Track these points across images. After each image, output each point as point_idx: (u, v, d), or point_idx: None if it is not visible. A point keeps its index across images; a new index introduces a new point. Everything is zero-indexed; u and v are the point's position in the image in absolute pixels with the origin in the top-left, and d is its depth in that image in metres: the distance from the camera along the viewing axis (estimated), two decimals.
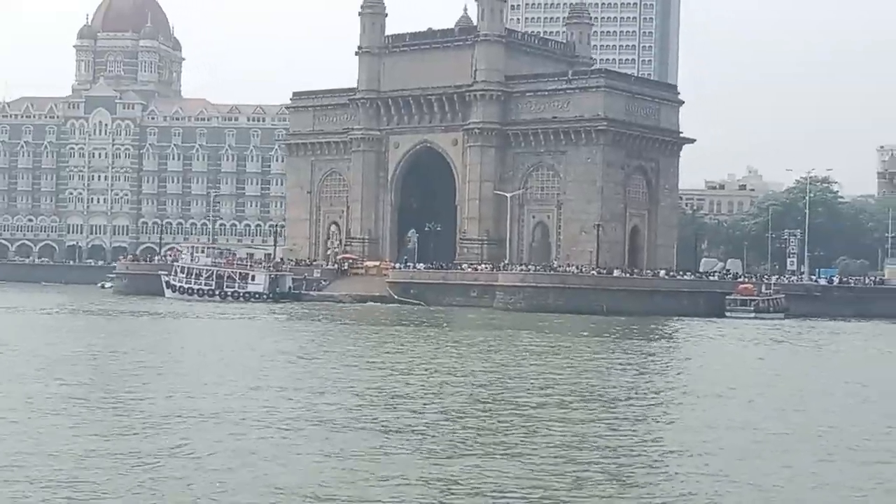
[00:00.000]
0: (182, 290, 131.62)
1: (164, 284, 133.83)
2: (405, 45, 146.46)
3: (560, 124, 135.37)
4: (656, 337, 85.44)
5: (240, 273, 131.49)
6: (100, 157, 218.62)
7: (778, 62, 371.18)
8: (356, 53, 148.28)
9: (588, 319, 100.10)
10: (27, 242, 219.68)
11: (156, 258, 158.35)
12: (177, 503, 24.28)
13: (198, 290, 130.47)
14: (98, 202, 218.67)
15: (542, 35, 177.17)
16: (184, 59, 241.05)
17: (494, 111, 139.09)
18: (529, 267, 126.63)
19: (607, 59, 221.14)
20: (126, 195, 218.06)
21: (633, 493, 26.53)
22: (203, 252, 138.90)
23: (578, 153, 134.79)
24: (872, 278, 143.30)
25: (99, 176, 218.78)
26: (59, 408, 37.43)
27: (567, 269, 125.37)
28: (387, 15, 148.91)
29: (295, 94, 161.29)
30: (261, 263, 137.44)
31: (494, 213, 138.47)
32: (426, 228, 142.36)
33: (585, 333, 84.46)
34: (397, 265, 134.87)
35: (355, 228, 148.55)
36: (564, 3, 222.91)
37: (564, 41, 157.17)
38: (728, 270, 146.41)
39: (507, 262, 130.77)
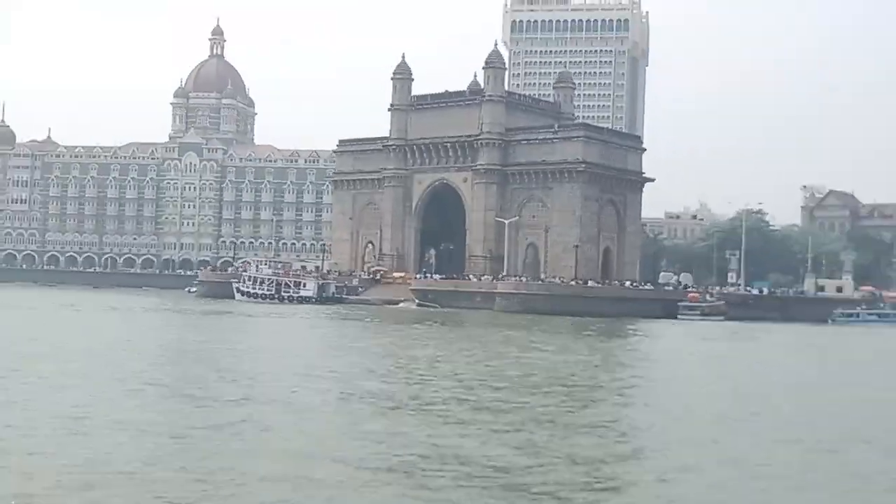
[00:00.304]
0: (248, 294, 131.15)
1: (234, 290, 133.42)
2: (427, 104, 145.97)
3: (548, 166, 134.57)
4: (627, 333, 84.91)
5: (294, 281, 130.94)
6: (189, 190, 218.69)
7: (725, 115, 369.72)
8: (388, 109, 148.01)
9: (569, 320, 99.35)
10: (132, 256, 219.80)
11: (229, 269, 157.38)
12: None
13: (261, 294, 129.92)
14: (188, 225, 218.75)
15: (535, 95, 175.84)
16: (256, 114, 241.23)
17: (496, 155, 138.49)
18: (522, 278, 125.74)
19: (589, 115, 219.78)
20: (209, 220, 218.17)
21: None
22: (266, 264, 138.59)
23: (562, 189, 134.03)
24: (794, 290, 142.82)
25: (189, 205, 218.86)
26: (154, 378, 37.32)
27: (552, 279, 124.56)
28: (413, 79, 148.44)
29: (340, 141, 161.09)
30: (311, 274, 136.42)
31: (495, 236, 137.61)
32: (441, 247, 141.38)
33: (562, 331, 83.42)
34: (418, 276, 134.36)
35: (386, 247, 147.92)
36: (554, 72, 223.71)
37: (553, 100, 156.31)
38: (680, 282, 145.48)
39: (504, 274, 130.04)
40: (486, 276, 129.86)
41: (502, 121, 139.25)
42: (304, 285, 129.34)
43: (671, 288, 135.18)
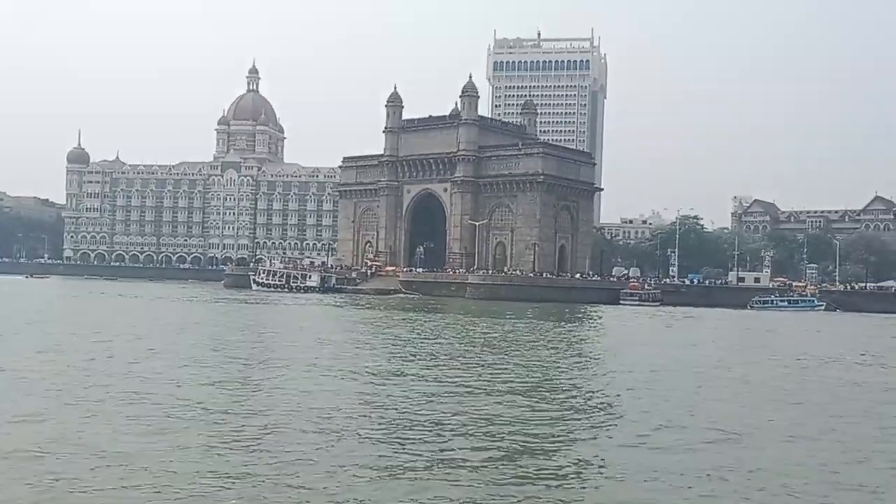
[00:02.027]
0: (263, 284, 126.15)
1: (251, 281, 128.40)
2: (414, 126, 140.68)
3: (513, 178, 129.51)
4: (580, 315, 79.04)
5: (301, 273, 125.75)
6: (230, 200, 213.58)
7: (671, 134, 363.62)
8: (383, 131, 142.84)
9: (528, 305, 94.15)
10: (183, 255, 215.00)
11: (250, 264, 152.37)
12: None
13: (273, 284, 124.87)
14: (228, 230, 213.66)
15: (515, 122, 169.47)
16: (285, 138, 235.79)
17: (471, 169, 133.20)
18: (489, 271, 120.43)
19: (557, 138, 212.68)
20: (246, 224, 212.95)
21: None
22: (278, 260, 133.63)
23: (525, 197, 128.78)
24: (720, 281, 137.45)
25: (229, 212, 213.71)
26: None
27: (515, 272, 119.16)
28: (403, 106, 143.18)
29: (344, 158, 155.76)
30: (317, 268, 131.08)
31: (470, 236, 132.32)
32: (424, 245, 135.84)
33: (530, 314, 77.95)
34: (405, 269, 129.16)
35: (381, 245, 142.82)
36: (520, 102, 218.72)
37: (519, 124, 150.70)
38: (627, 275, 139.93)
39: (475, 267, 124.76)
40: (461, 270, 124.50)
41: (476, 140, 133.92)
42: (310, 277, 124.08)
43: (615, 280, 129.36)
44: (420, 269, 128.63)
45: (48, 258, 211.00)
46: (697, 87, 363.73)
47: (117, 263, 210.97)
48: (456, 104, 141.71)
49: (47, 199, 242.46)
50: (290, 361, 31.13)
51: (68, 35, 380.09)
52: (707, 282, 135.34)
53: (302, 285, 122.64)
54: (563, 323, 65.80)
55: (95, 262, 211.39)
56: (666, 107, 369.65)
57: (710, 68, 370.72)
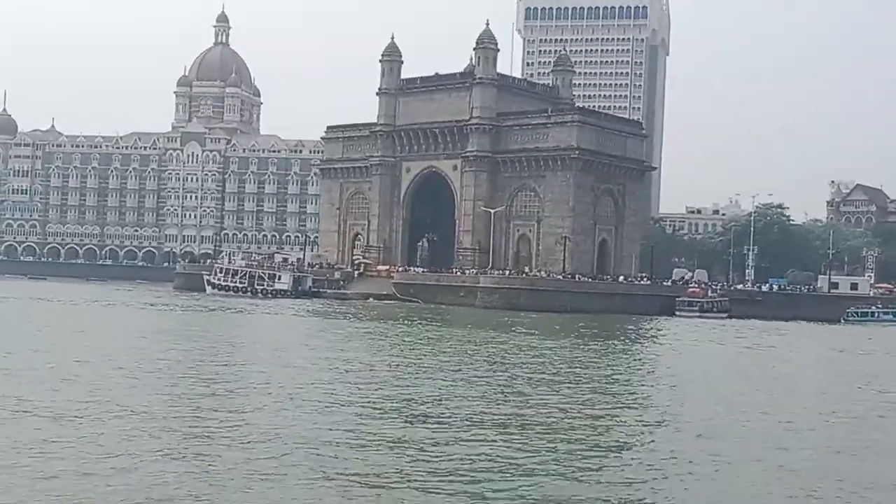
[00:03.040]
0: (220, 286, 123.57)
1: (205, 282, 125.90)
2: (416, 87, 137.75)
3: (540, 153, 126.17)
4: (616, 332, 75.00)
5: (268, 274, 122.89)
6: (191, 181, 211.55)
7: (751, 107, 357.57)
8: (377, 94, 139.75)
9: (554, 317, 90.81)
10: (133, 249, 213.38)
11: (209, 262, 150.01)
12: None
13: (233, 287, 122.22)
14: (189, 217, 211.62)
15: (535, 81, 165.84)
16: (262, 103, 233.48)
17: (487, 141, 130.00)
18: (506, 272, 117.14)
19: (605, 106, 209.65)
20: (211, 211, 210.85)
21: None
22: (239, 256, 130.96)
23: (555, 177, 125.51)
24: (807, 287, 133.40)
25: (190, 196, 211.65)
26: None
27: (537, 273, 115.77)
28: (402, 62, 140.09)
29: (329, 127, 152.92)
30: (286, 265, 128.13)
31: (485, 227, 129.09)
32: (426, 238, 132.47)
33: (536, 333, 74.51)
34: (399, 269, 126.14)
35: (373, 238, 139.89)
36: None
37: (550, 85, 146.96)
38: (688, 279, 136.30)
39: (490, 267, 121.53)
40: (472, 270, 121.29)
41: (493, 105, 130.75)
42: (279, 278, 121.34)
43: (670, 284, 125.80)
44: (420, 269, 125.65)
45: None
46: (785, 47, 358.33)
47: (50, 259, 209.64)
48: (470, 60, 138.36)
49: None
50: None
51: None
52: (790, 288, 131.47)
53: (270, 288, 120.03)
54: (582, 345, 62.24)
55: (23, 258, 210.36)
56: (745, 72, 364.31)
57: (799, 23, 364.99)
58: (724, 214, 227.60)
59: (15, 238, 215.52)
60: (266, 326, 70.13)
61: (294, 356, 43.99)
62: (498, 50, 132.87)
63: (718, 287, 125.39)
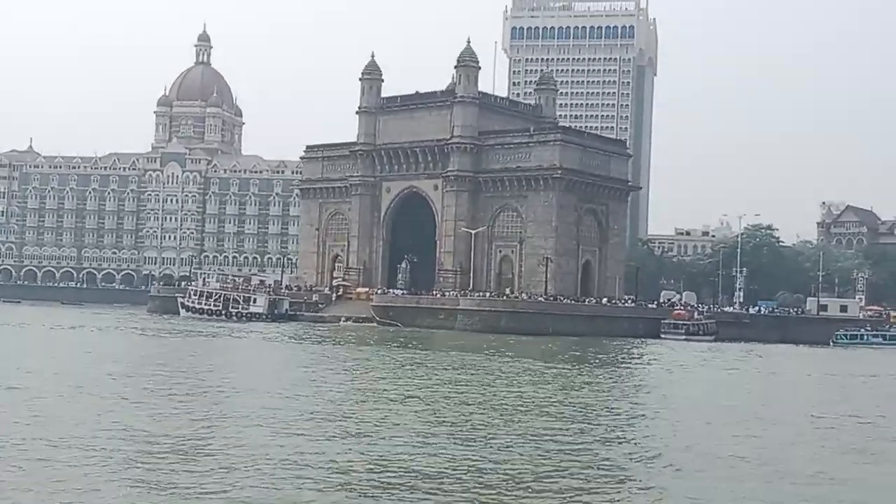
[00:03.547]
0: (194, 310, 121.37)
1: (179, 305, 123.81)
2: (397, 106, 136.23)
3: (522, 172, 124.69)
4: (595, 356, 72.99)
5: (243, 296, 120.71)
6: (171, 202, 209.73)
7: (741, 126, 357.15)
8: (356, 112, 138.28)
9: (535, 340, 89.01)
10: (111, 271, 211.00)
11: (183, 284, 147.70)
12: None
13: (207, 310, 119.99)
14: (169, 239, 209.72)
15: (523, 101, 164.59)
16: (244, 123, 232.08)
17: (468, 161, 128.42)
18: (486, 294, 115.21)
19: (592, 126, 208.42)
20: (192, 233, 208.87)
21: None
22: (214, 278, 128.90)
23: (538, 197, 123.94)
24: (796, 309, 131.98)
25: (170, 217, 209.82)
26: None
27: (518, 295, 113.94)
28: (383, 80, 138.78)
29: (308, 147, 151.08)
30: (262, 287, 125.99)
31: (467, 248, 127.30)
32: (407, 259, 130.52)
33: (509, 355, 72.45)
34: (378, 291, 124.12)
35: (353, 259, 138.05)
36: (556, 80, 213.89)
37: (534, 104, 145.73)
38: (675, 301, 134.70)
39: (470, 289, 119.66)
40: (452, 292, 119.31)
41: (475, 124, 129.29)
42: (255, 301, 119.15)
43: (654, 306, 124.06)
44: (401, 291, 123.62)
45: None
46: (775, 64, 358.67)
47: (26, 282, 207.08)
48: (452, 78, 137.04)
49: None
50: None
51: None
52: (778, 310, 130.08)
53: (244, 311, 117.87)
54: (553, 370, 60.25)
55: (0, 280, 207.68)
56: (736, 90, 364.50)
57: (790, 40, 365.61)
58: (713, 236, 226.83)
59: None
60: (215, 353, 67.98)
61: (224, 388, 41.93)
62: (479, 68, 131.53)
63: (705, 309, 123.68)
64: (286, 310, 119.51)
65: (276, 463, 23.05)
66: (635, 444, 29.22)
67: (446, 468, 23.23)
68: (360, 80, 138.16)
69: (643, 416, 36.62)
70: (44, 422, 28.31)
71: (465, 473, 22.85)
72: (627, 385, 51.78)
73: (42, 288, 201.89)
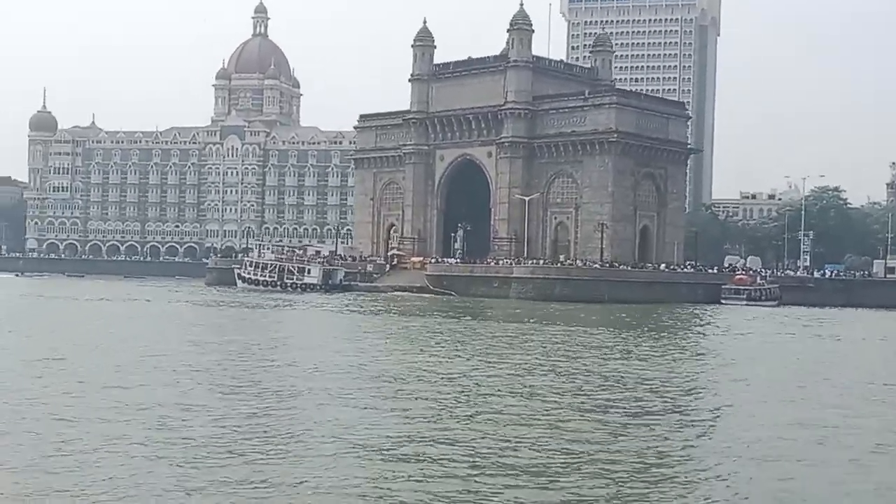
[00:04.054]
0: (251, 281, 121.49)
1: (236, 276, 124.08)
2: (449, 72, 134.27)
3: (577, 137, 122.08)
4: (650, 324, 70.48)
5: (298, 267, 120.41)
6: (231, 175, 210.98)
7: (806, 88, 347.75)
8: (409, 80, 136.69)
9: (591, 307, 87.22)
10: (174, 244, 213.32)
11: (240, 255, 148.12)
12: None
13: (262, 281, 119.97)
14: (230, 212, 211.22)
15: (582, 65, 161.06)
16: (302, 95, 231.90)
17: (522, 127, 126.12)
18: (540, 261, 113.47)
19: (654, 89, 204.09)
20: (252, 205, 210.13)
21: None
22: (269, 249, 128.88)
23: (593, 162, 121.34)
24: (862, 272, 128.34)
25: (231, 190, 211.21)
26: None
27: (573, 262, 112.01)
28: (435, 47, 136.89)
29: (361, 116, 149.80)
30: (317, 258, 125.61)
31: (521, 215, 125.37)
32: (461, 227, 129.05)
33: (556, 325, 70.80)
34: (432, 260, 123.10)
35: (407, 229, 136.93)
36: (616, 44, 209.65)
37: (589, 67, 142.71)
38: (738, 266, 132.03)
39: (525, 256, 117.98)
40: (507, 260, 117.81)
41: (529, 89, 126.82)
42: (309, 272, 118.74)
43: (714, 271, 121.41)
44: (455, 260, 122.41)
45: (6, 251, 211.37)
46: (845, 22, 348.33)
47: (91, 256, 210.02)
48: (507, 42, 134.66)
49: (9, 177, 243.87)
50: None
51: None
52: (844, 274, 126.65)
53: (299, 282, 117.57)
54: (608, 338, 58.53)
55: (66, 255, 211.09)
56: (802, 49, 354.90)
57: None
58: (780, 199, 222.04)
59: (56, 236, 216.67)
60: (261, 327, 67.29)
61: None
62: (533, 31, 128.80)
63: (767, 274, 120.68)
64: (340, 280, 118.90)
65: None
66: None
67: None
68: (412, 46, 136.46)
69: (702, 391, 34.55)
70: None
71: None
72: (685, 356, 49.52)
73: (106, 262, 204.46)
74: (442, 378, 33.36)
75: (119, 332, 51.27)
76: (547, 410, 26.84)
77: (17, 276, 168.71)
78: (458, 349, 45.11)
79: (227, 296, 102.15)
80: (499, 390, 30.89)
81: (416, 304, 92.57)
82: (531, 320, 68.86)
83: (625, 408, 27.91)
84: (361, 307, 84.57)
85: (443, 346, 46.62)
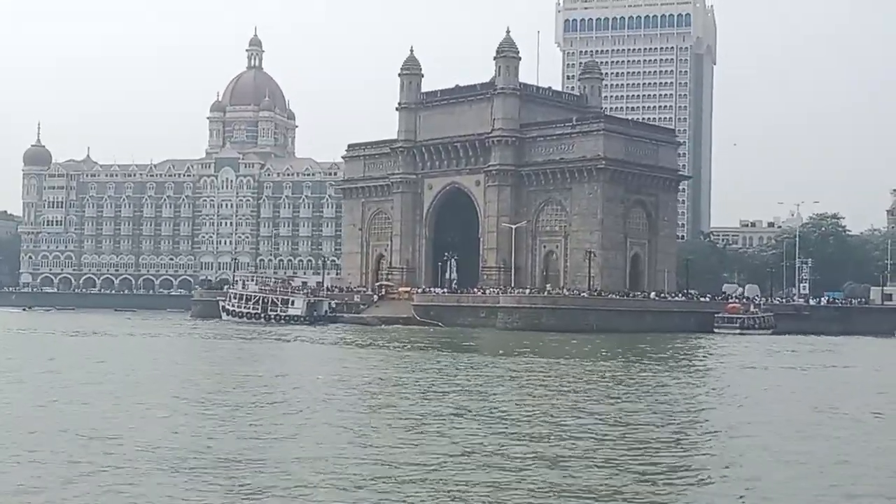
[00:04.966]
0: (234, 313, 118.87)
1: (220, 308, 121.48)
2: (436, 101, 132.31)
3: (566, 164, 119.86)
4: (635, 355, 67.54)
5: (282, 299, 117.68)
6: (226, 207, 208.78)
7: (806, 115, 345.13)
8: (396, 109, 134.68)
9: (579, 337, 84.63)
10: (169, 277, 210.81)
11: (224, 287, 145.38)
12: None
13: (246, 313, 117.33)
14: (225, 244, 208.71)
15: (573, 93, 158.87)
16: (297, 126, 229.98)
17: (510, 154, 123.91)
18: (526, 290, 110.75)
19: (650, 118, 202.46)
20: (247, 237, 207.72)
21: None
22: (252, 280, 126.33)
23: (582, 189, 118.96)
24: (859, 299, 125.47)
25: (225, 222, 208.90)
26: None
27: (559, 291, 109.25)
28: (423, 75, 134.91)
29: (349, 145, 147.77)
30: (300, 290, 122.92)
31: (510, 244, 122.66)
32: (446, 257, 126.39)
33: (517, 357, 67.91)
34: (419, 290, 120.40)
35: (395, 259, 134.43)
36: (611, 72, 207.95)
37: (578, 93, 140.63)
38: (734, 295, 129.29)
39: (512, 286, 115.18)
40: (494, 290, 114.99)
41: (516, 116, 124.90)
42: (293, 303, 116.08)
43: (707, 300, 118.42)
44: (442, 290, 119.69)
45: (0, 285, 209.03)
46: (841, 46, 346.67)
47: (85, 290, 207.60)
48: (496, 70, 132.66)
49: (5, 211, 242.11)
50: None
51: (23, 13, 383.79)
52: (841, 301, 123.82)
53: (283, 314, 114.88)
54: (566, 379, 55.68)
55: (59, 289, 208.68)
56: (798, 76, 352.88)
57: (859, 21, 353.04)
58: (779, 227, 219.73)
59: (51, 269, 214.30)
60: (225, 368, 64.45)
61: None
62: (519, 58, 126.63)
63: (762, 302, 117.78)
64: (326, 311, 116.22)
65: None
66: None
67: None
68: (399, 75, 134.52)
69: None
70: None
71: None
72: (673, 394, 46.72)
73: (98, 295, 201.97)
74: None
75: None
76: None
77: (23, 310, 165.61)
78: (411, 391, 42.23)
79: (204, 328, 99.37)
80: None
81: (394, 335, 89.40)
82: (492, 353, 65.92)
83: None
84: (334, 340, 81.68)
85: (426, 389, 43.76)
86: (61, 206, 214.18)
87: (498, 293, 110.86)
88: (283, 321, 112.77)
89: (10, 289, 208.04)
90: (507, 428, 28.76)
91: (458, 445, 25.30)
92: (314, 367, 52.46)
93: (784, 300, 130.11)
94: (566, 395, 38.39)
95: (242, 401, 34.54)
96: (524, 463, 22.95)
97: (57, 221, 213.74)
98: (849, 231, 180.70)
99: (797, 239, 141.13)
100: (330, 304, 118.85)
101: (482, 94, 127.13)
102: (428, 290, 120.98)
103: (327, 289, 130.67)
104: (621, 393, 39.64)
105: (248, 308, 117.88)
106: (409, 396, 36.80)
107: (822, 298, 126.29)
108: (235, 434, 26.71)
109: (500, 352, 65.62)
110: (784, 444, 26.87)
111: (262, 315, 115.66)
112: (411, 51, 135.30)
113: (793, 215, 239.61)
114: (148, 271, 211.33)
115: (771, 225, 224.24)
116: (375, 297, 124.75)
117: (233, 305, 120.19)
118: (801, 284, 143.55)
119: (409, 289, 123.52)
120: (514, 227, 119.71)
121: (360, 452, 24.28)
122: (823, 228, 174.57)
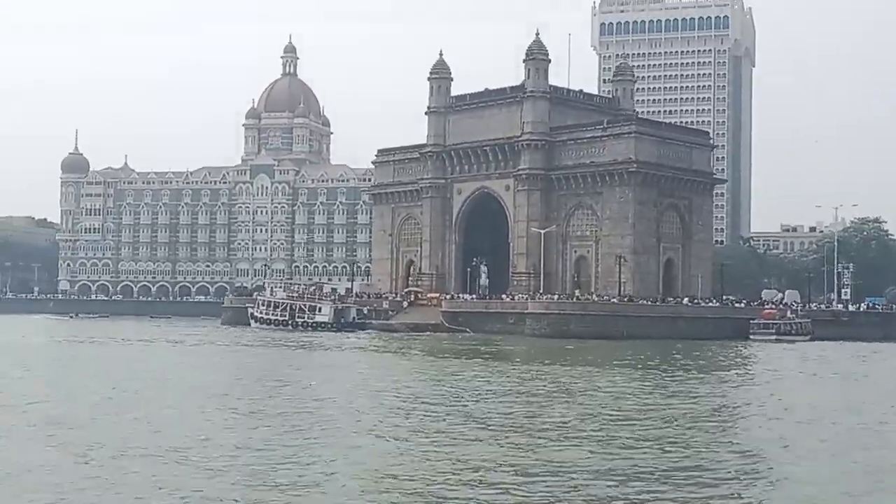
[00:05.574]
0: (263, 320, 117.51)
1: (249, 316, 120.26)
2: (465, 104, 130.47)
3: (596, 168, 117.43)
4: (663, 365, 64.63)
5: (309, 305, 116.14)
6: (261, 213, 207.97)
7: (847, 117, 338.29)
8: (425, 113, 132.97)
9: (608, 345, 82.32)
10: (205, 284, 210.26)
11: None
12: None
13: (274, 320, 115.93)
14: (260, 250, 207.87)
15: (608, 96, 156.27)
16: (332, 133, 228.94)
17: (539, 158, 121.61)
18: (555, 296, 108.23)
19: (688, 121, 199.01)
20: (282, 244, 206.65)
21: None
22: (280, 287, 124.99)
23: (613, 193, 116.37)
24: None
25: (261, 229, 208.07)
26: None
27: (589, 297, 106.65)
28: (452, 79, 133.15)
29: (379, 151, 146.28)
30: (328, 296, 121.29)
31: (540, 249, 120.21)
32: (475, 262, 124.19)
33: (539, 364, 65.61)
34: (447, 297, 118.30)
35: (425, 265, 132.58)
36: (647, 76, 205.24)
37: (610, 96, 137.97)
38: (773, 300, 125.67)
39: (541, 291, 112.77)
40: (523, 296, 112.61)
41: (546, 120, 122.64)
42: (320, 310, 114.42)
43: (742, 305, 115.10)
44: (471, 296, 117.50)
45: (39, 292, 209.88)
46: (887, 44, 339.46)
47: (122, 297, 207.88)
48: (526, 73, 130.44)
49: (44, 219, 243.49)
50: None
51: (60, 25, 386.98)
52: (881, 307, 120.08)
53: (310, 321, 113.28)
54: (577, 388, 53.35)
55: (97, 296, 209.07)
56: (840, 78, 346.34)
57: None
58: (821, 232, 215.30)
59: (88, 277, 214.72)
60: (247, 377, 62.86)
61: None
62: (549, 61, 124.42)
63: (799, 307, 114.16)
64: (353, 318, 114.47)
65: None
66: None
67: None
68: (428, 79, 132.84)
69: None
70: None
71: None
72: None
73: (135, 303, 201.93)
74: None
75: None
76: None
77: (70, 317, 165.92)
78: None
79: (230, 335, 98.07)
80: None
81: (418, 343, 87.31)
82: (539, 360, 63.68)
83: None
84: (372, 347, 79.95)
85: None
86: (99, 214, 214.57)
87: (527, 299, 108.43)
88: (310, 328, 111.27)
89: (49, 296, 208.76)
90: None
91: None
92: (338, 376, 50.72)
93: (824, 306, 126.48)
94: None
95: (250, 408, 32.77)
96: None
97: (94, 229, 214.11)
98: (891, 235, 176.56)
99: (835, 242, 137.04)
100: (358, 310, 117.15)
101: (512, 97, 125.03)
102: (456, 296, 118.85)
103: (356, 295, 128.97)
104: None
105: (276, 315, 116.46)
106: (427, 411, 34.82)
107: (863, 304, 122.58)
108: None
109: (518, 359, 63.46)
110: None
111: (290, 322, 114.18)
112: (440, 54, 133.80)
113: (836, 220, 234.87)
114: (185, 278, 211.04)
115: (812, 230, 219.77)
116: (405, 303, 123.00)
117: (261, 312, 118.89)
118: (843, 290, 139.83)
119: (437, 295, 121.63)
120: (543, 231, 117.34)
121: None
122: (865, 233, 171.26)
